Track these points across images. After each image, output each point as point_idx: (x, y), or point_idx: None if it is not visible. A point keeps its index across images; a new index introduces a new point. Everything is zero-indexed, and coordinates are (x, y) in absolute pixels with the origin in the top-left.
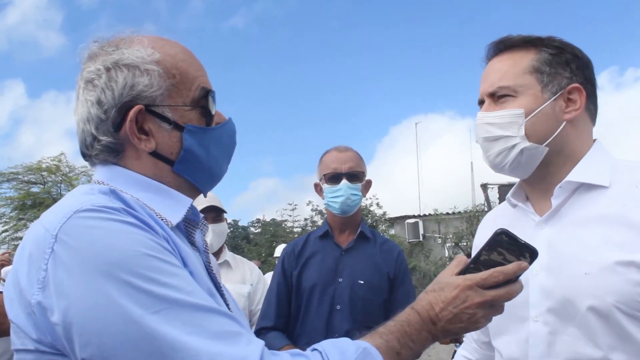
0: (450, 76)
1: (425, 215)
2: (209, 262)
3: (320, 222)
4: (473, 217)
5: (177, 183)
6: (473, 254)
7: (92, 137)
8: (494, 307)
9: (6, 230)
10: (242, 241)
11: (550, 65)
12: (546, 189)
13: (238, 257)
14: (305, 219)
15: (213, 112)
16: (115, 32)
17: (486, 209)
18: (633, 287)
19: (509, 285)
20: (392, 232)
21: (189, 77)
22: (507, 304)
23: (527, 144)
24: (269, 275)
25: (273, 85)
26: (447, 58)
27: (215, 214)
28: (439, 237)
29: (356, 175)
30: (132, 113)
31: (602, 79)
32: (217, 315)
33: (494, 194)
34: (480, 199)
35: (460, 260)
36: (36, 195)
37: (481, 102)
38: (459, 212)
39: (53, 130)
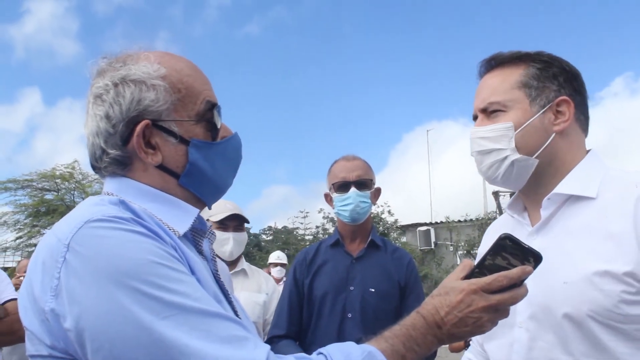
0: (465, 83)
1: (437, 222)
2: (217, 270)
3: (331, 230)
4: (485, 225)
5: (183, 195)
6: (477, 260)
7: (101, 150)
8: (499, 311)
9: (20, 237)
10: (253, 249)
11: (537, 80)
12: (539, 199)
13: (254, 267)
14: (317, 227)
15: (218, 126)
16: (124, 48)
17: (498, 217)
18: (607, 297)
19: (514, 289)
20: (404, 239)
21: (194, 91)
22: None
23: (517, 156)
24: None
25: (286, 91)
26: (463, 64)
27: (237, 222)
28: (451, 245)
29: (364, 183)
30: (139, 128)
31: (617, 85)
32: (224, 320)
33: (505, 202)
34: (492, 206)
35: (466, 264)
36: (50, 202)
37: (475, 118)
38: (471, 220)
39: (67, 137)
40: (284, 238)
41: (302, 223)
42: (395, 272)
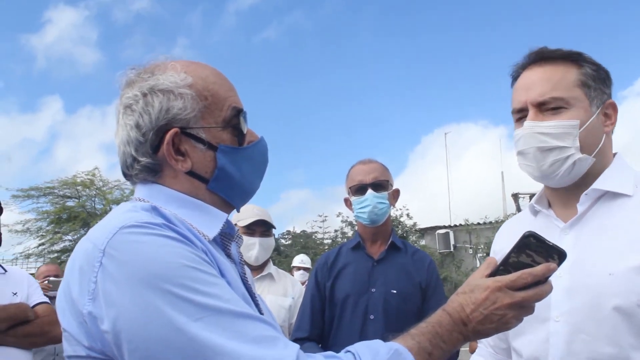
0: (484, 85)
1: (456, 225)
2: (244, 273)
3: (350, 234)
4: None
5: (212, 200)
6: (501, 257)
7: (132, 159)
8: (524, 308)
9: (43, 244)
10: (272, 253)
11: (594, 81)
12: (571, 196)
13: (281, 271)
14: (336, 231)
15: (245, 131)
16: (150, 58)
17: None
18: None
19: (539, 286)
20: (423, 242)
21: (220, 98)
22: None
23: (580, 155)
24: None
25: (304, 95)
26: (481, 67)
27: (264, 228)
28: (470, 248)
29: (381, 185)
30: (168, 136)
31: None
32: (255, 321)
33: (525, 204)
34: (511, 208)
35: (490, 262)
36: (71, 209)
37: (519, 111)
38: (490, 222)
39: (88, 144)
40: (303, 242)
41: (320, 227)
42: (417, 273)
